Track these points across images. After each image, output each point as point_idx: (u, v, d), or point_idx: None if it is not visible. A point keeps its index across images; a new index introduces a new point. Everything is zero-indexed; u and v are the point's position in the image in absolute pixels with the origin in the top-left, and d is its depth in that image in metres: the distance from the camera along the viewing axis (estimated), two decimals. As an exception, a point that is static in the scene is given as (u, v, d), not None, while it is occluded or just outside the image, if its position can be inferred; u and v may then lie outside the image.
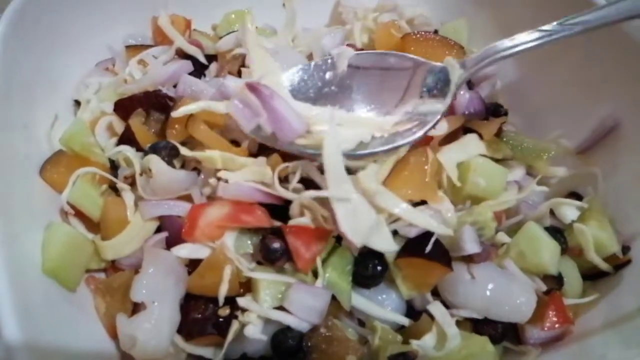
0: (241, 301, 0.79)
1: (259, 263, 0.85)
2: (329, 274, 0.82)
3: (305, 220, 0.84)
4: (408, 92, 0.93)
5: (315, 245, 0.82)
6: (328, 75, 0.95)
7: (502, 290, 0.81)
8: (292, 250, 0.81)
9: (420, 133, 0.87)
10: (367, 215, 0.80)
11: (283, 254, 0.81)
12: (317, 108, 0.92)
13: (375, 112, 0.93)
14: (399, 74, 0.95)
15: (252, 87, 0.84)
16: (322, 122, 0.87)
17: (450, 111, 1.05)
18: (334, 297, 0.81)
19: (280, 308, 0.79)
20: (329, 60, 0.95)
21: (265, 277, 0.80)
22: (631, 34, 0.94)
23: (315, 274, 0.83)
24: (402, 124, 0.90)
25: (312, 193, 0.80)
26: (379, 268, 0.83)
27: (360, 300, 0.83)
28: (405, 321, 0.84)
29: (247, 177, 0.86)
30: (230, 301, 0.80)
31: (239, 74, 1.08)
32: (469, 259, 0.84)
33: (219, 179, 0.89)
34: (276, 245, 0.81)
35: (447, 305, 0.84)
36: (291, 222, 0.84)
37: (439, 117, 0.89)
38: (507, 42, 0.89)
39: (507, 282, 0.82)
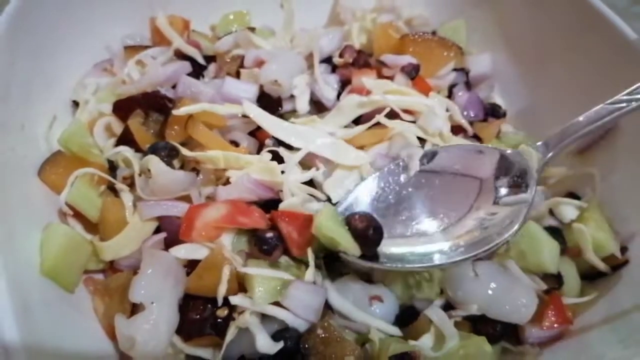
0: (234, 299, 0.78)
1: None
2: (322, 223, 0.79)
3: (295, 201, 0.85)
4: (486, 194, 0.88)
5: (308, 230, 0.82)
6: (403, 178, 0.91)
7: (503, 290, 0.81)
8: (285, 237, 0.82)
9: (502, 239, 0.81)
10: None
11: (277, 243, 0.82)
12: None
13: (447, 220, 0.87)
14: (474, 172, 0.90)
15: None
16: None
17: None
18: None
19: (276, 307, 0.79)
20: (401, 163, 0.91)
21: (259, 273, 0.80)
22: (628, 35, 0.95)
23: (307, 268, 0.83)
24: (483, 233, 0.84)
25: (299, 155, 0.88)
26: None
27: (347, 307, 0.83)
28: (395, 331, 0.83)
29: (255, 174, 0.87)
30: (229, 302, 0.80)
31: (237, 75, 1.08)
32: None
33: (217, 178, 0.90)
34: (269, 234, 0.82)
35: (448, 302, 0.84)
36: (281, 206, 0.85)
37: (526, 210, 0.83)
38: (582, 120, 0.88)
39: (509, 282, 0.83)
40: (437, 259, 0.82)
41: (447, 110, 1.05)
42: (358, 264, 0.83)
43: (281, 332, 0.78)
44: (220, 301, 0.79)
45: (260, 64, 1.05)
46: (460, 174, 0.90)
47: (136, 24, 1.21)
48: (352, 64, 1.11)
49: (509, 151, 0.90)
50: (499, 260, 0.87)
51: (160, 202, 0.87)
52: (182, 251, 0.83)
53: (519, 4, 1.22)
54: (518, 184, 0.87)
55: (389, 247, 0.84)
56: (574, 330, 0.86)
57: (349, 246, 0.80)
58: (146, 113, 0.99)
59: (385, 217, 0.86)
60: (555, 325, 0.84)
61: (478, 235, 0.83)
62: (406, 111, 0.98)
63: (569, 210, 0.94)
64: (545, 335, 0.85)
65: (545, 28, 1.15)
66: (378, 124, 0.96)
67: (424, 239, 0.85)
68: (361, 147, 0.95)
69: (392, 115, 0.96)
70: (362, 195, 0.89)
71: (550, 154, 0.89)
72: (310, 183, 0.91)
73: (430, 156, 0.92)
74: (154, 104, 0.98)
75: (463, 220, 0.86)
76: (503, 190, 0.87)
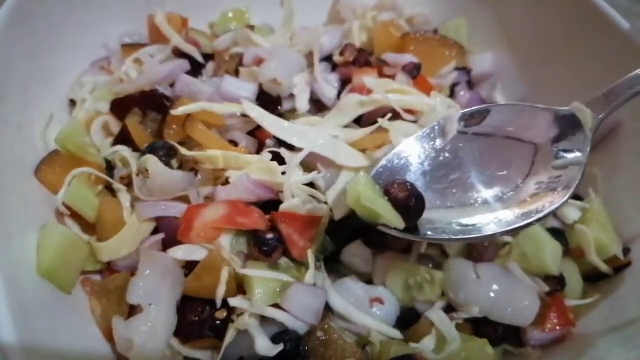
0: (233, 301, 0.77)
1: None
2: (362, 193, 0.74)
3: (296, 202, 0.84)
4: (537, 157, 0.83)
5: (308, 231, 0.82)
6: (438, 143, 0.86)
7: (506, 292, 0.81)
8: (285, 239, 0.81)
9: (556, 205, 0.77)
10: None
11: (277, 244, 0.81)
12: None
13: (501, 187, 0.83)
14: (521, 134, 0.85)
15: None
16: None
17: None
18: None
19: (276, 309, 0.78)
20: (436, 127, 0.88)
21: (258, 274, 0.79)
22: (630, 35, 0.94)
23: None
24: (535, 199, 0.79)
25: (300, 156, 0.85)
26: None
27: (348, 309, 0.82)
28: (396, 334, 0.82)
29: (255, 174, 0.87)
30: (228, 304, 0.79)
31: (236, 74, 1.07)
32: (477, 258, 0.85)
33: (216, 178, 0.89)
34: (269, 235, 0.81)
35: (450, 305, 0.84)
36: (282, 207, 0.84)
37: (581, 172, 0.79)
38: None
39: (511, 284, 0.82)
40: (489, 229, 0.78)
41: (449, 109, 1.04)
42: (398, 237, 0.78)
43: (281, 335, 0.77)
44: (219, 303, 0.78)
45: (259, 62, 1.04)
46: (513, 137, 0.85)
47: (134, 22, 1.21)
48: (352, 62, 1.11)
49: (561, 110, 0.85)
50: (501, 262, 0.86)
51: (159, 202, 0.86)
52: (181, 252, 0.82)
53: (521, 2, 1.21)
54: (571, 145, 0.82)
55: (442, 217, 0.79)
56: (576, 332, 0.86)
57: (391, 218, 0.75)
58: (144, 112, 0.98)
59: (427, 185, 0.82)
60: (558, 327, 0.83)
61: (531, 203, 0.79)
62: (408, 111, 0.97)
63: (571, 211, 0.93)
64: (547, 337, 0.84)
65: (547, 26, 1.14)
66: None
67: (472, 209, 0.81)
68: (363, 151, 0.93)
69: (393, 114, 0.95)
70: (397, 162, 0.85)
71: (605, 112, 0.82)
72: (311, 184, 0.90)
73: (479, 118, 0.86)
74: (152, 103, 0.98)
75: (519, 187, 0.81)
76: (557, 153, 0.82)
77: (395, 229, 0.77)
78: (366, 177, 0.77)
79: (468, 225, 0.79)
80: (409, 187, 0.77)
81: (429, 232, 0.78)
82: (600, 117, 0.82)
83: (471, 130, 0.86)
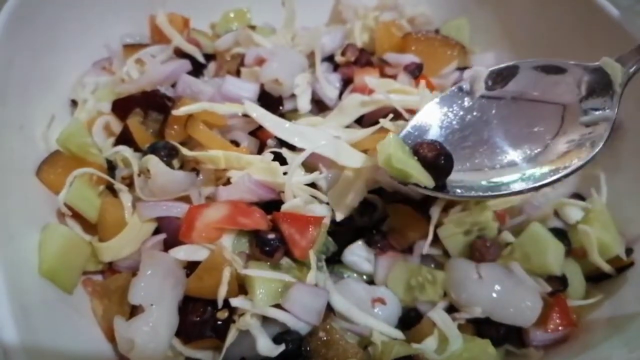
0: (235, 301, 0.77)
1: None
2: (392, 154, 0.75)
3: (297, 202, 0.84)
4: (566, 114, 0.83)
5: (310, 232, 0.82)
6: (467, 101, 0.87)
7: (508, 292, 0.80)
8: (287, 239, 0.81)
9: (584, 161, 0.77)
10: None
11: (279, 245, 0.81)
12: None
13: (529, 146, 0.83)
14: (548, 92, 0.85)
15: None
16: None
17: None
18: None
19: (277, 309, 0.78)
20: (464, 85, 0.88)
21: (260, 275, 0.79)
22: (634, 34, 0.94)
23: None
24: (563, 157, 0.80)
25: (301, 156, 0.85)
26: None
27: (349, 310, 0.82)
28: (398, 334, 0.82)
29: (256, 174, 0.87)
30: (230, 304, 0.79)
31: (237, 74, 1.07)
32: (479, 258, 0.85)
33: (217, 178, 0.89)
34: (271, 235, 0.81)
35: (452, 305, 0.83)
36: (284, 207, 0.84)
37: (609, 128, 0.78)
38: None
39: (514, 284, 0.82)
40: (518, 186, 0.79)
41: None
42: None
43: (282, 335, 0.77)
44: (220, 303, 0.78)
45: (261, 62, 1.04)
46: (542, 95, 0.85)
47: (135, 22, 1.21)
48: (354, 62, 1.11)
49: (590, 65, 0.84)
50: (503, 262, 0.86)
51: (160, 202, 0.86)
52: (182, 252, 0.82)
53: (522, 2, 1.21)
54: (599, 100, 0.81)
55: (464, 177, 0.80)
56: (578, 332, 0.85)
57: (421, 178, 0.76)
58: (145, 112, 0.98)
59: (455, 145, 0.82)
60: (560, 327, 0.83)
61: (559, 161, 0.80)
62: (409, 111, 0.97)
63: (574, 211, 0.93)
64: (549, 337, 0.84)
65: (549, 26, 1.14)
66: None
67: (500, 168, 0.82)
68: (364, 151, 0.93)
69: (395, 114, 0.95)
70: (424, 123, 0.85)
71: (635, 66, 0.81)
72: (313, 184, 0.90)
73: (507, 76, 0.86)
74: (153, 103, 0.98)
75: (548, 145, 0.82)
76: (585, 110, 0.82)
77: (425, 187, 0.78)
78: (396, 138, 0.79)
79: (496, 183, 0.81)
80: (438, 147, 0.78)
81: (458, 190, 0.80)
82: (632, 70, 0.81)
83: (498, 90, 0.87)
